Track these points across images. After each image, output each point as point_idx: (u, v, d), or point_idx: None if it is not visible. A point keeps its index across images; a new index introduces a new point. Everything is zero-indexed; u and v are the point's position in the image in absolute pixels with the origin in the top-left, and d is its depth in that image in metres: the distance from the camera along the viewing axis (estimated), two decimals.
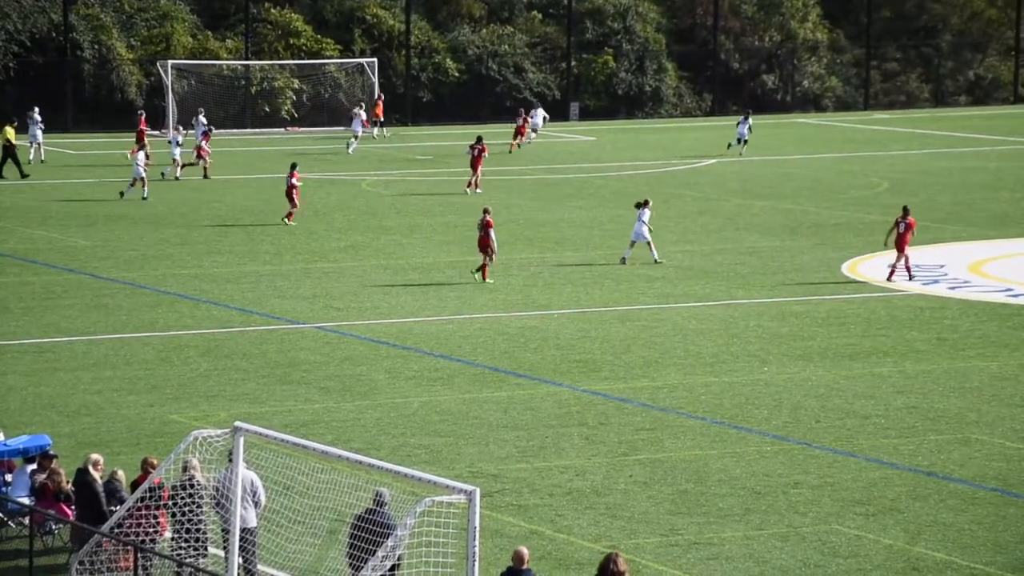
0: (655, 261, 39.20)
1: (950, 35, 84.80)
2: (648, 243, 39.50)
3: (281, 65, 71.21)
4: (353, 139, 61.78)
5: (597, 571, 16.45)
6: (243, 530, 18.30)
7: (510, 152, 61.24)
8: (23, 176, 53.51)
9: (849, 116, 78.38)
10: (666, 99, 77.68)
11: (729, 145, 60.84)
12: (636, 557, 20.01)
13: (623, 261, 39.53)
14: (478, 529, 15.88)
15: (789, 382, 28.60)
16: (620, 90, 76.74)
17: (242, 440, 17.99)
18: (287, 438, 18.15)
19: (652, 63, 77.39)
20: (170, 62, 67.65)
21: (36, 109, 58.24)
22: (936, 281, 37.68)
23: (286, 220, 45.09)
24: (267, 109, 70.38)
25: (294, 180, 45.36)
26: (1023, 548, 20.44)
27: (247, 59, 71.22)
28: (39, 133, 57.75)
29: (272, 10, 72.79)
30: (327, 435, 24.88)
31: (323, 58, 72.11)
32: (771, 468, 23.66)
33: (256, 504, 18.77)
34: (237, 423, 18.11)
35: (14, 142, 54.27)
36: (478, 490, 15.95)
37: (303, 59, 71.74)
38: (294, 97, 70.76)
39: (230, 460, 18.37)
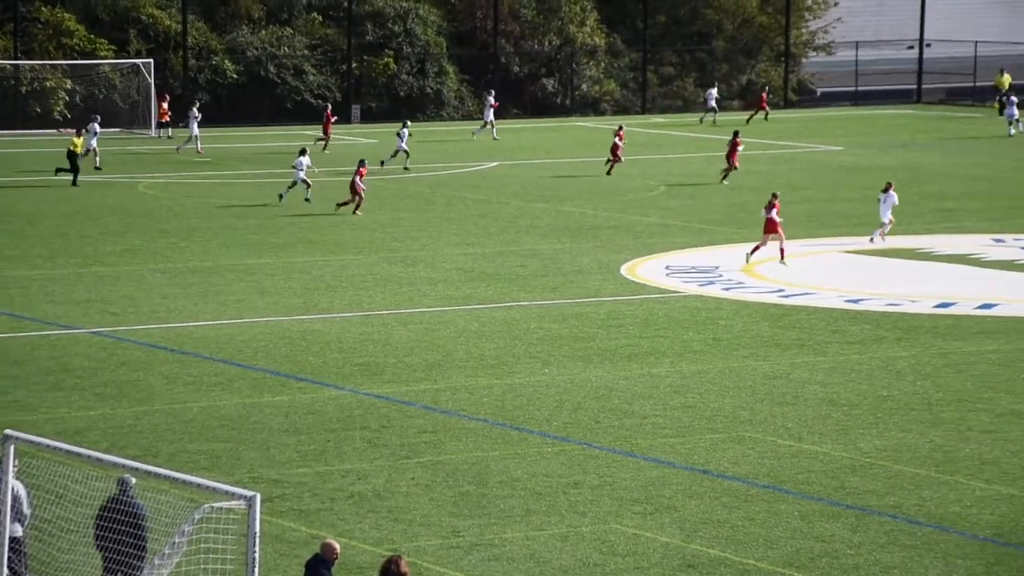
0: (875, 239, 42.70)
1: (723, 41, 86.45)
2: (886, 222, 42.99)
3: (53, 65, 69.79)
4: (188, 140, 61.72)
5: (378, 574, 16.42)
6: (10, 539, 17.88)
7: (324, 150, 61.42)
8: None
9: (627, 119, 79.41)
10: (447, 102, 77.90)
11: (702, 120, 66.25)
12: (418, 560, 20.02)
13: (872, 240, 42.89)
14: (258, 535, 15.75)
15: (569, 383, 28.88)
16: (402, 92, 76.75)
17: (12, 449, 17.59)
18: (60, 446, 17.78)
19: (433, 66, 77.56)
20: None
21: None
22: (711, 283, 38.36)
23: (356, 212, 47.20)
24: (39, 110, 68.92)
25: (359, 177, 47.55)
26: (793, 543, 20.89)
27: (16, 59, 69.66)
28: None
29: (43, 8, 71.29)
30: (102, 442, 24.45)
31: (97, 58, 70.84)
32: (552, 469, 23.86)
33: (19, 517, 18.28)
34: (7, 431, 17.70)
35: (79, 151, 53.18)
36: (258, 495, 15.81)
37: (76, 59, 70.40)
38: (67, 98, 69.38)
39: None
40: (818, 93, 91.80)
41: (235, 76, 73.27)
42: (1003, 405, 27.40)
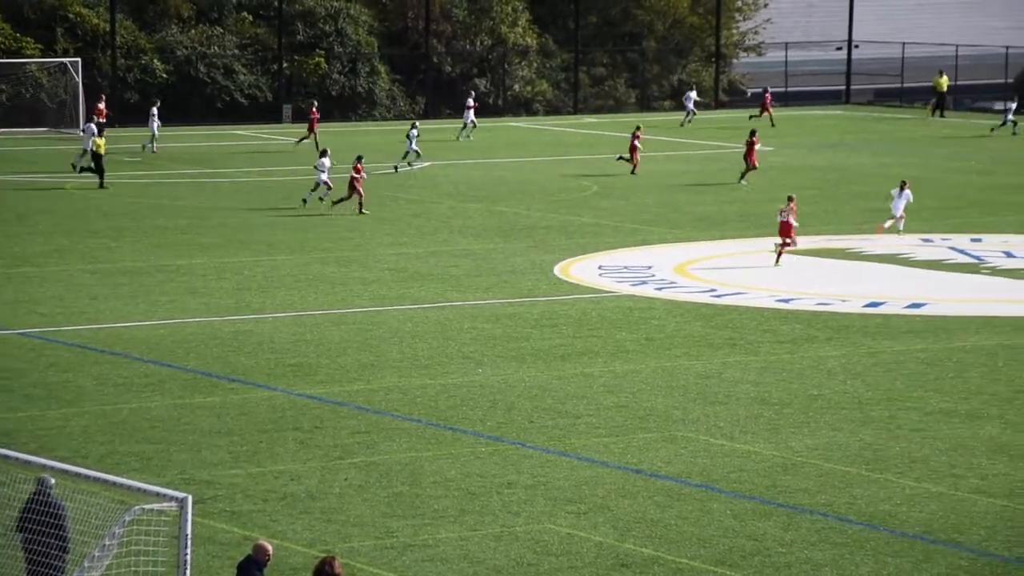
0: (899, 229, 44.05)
1: (655, 41, 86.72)
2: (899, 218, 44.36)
3: None
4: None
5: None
6: None
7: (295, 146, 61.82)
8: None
9: (559, 120, 79.52)
10: (379, 101, 77.76)
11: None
12: (351, 560, 19.96)
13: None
14: (190, 537, 15.66)
15: (503, 383, 28.88)
16: (333, 92, 76.53)
17: None
18: None
19: (365, 65, 77.39)
20: None
21: None
22: (644, 282, 38.46)
23: (362, 211, 47.11)
24: None
25: (358, 173, 47.34)
26: (726, 542, 20.97)
27: None
28: None
29: None
30: (31, 444, 24.23)
31: (23, 57, 70.23)
32: (485, 469, 23.85)
33: None
34: None
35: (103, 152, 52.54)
36: (190, 497, 15.72)
37: (1, 58, 69.76)
38: None
39: None
40: (748, 94, 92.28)
41: (164, 75, 72.84)
42: (932, 404, 27.61)
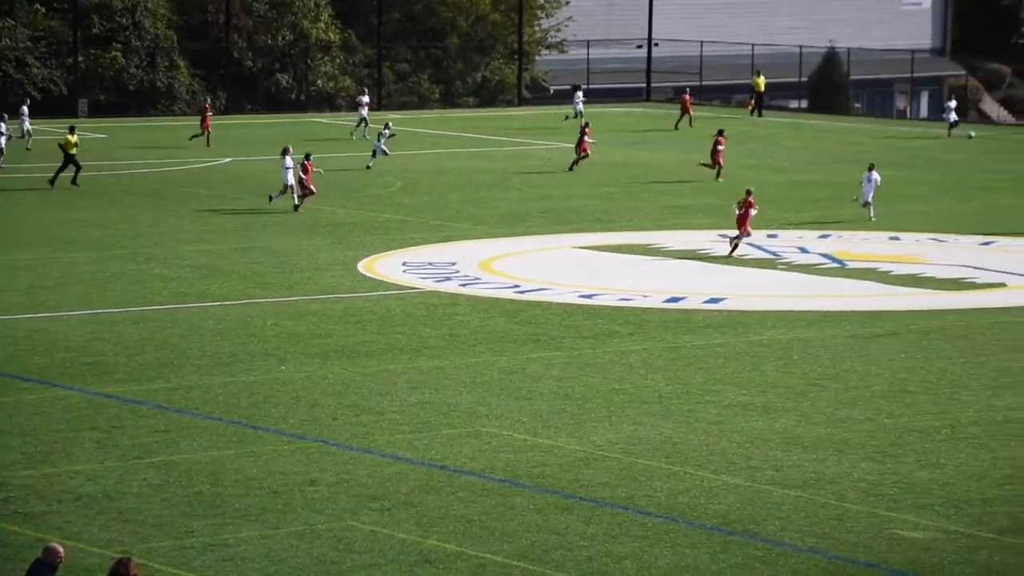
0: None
1: (457, 38, 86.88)
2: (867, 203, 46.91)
3: None
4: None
5: None
6: None
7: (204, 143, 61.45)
8: None
9: None
10: (179, 96, 76.76)
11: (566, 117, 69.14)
12: (149, 561, 19.65)
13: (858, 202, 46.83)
14: None
15: (307, 380, 28.68)
16: (131, 86, 75.37)
17: None
18: None
19: (163, 60, 76.35)
20: None
21: None
22: (448, 279, 38.49)
23: (297, 205, 46.69)
24: None
25: (309, 169, 46.60)
26: (528, 536, 21.06)
27: None
28: None
29: None
30: None
31: None
32: (288, 467, 23.66)
33: None
34: None
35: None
36: None
37: None
38: None
39: None
40: (551, 91, 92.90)
41: None
42: (729, 397, 28.04)
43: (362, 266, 39.79)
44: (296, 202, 47.62)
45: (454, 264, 40.43)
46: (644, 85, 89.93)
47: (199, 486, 22.68)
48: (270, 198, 48.04)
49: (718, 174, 55.45)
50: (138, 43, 75.66)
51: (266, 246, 42.16)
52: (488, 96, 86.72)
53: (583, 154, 57.74)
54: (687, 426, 26.20)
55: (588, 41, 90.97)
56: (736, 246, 41.77)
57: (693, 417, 26.75)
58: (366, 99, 69.34)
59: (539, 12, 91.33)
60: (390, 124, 59.90)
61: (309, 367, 29.66)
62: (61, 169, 51.15)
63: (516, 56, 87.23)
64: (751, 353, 31.29)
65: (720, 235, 43.54)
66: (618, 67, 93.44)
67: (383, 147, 57.32)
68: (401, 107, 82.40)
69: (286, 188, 47.81)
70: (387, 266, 39.91)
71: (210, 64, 78.73)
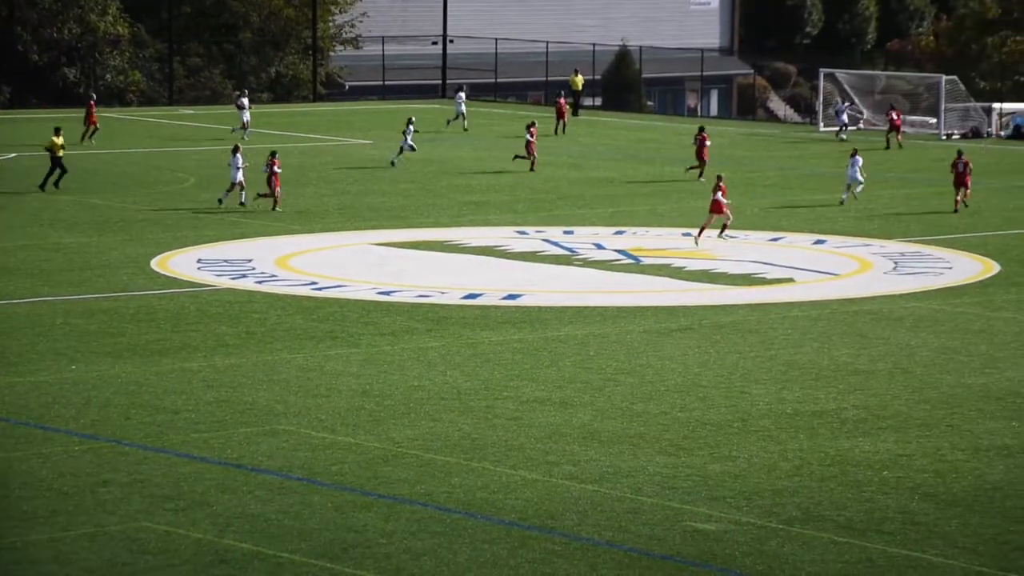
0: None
1: (251, 33, 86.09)
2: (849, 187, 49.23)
3: None
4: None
5: None
6: None
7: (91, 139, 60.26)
8: None
9: (154, 111, 78.14)
10: None
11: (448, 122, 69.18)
12: None
13: (842, 203, 49.29)
14: None
15: (98, 379, 28.14)
16: None
17: None
18: None
19: None
20: None
21: None
22: (244, 276, 38.08)
23: (275, 207, 45.94)
24: None
25: (275, 168, 45.90)
26: (327, 534, 20.91)
27: None
28: None
29: None
30: None
31: None
32: (79, 468, 23.18)
33: None
34: None
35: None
36: None
37: None
38: None
39: None
40: (347, 87, 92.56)
41: None
42: (527, 393, 28.15)
43: (155, 263, 39.19)
44: (242, 199, 47.07)
45: (250, 261, 40.01)
46: (440, 82, 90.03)
47: None
48: (219, 200, 47.23)
49: (700, 173, 55.48)
50: None
51: (54, 243, 41.30)
52: (283, 92, 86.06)
53: (534, 155, 57.27)
54: (485, 422, 26.24)
55: (383, 37, 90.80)
56: (725, 227, 43.27)
57: (491, 413, 26.80)
58: (246, 100, 67.45)
59: (333, 8, 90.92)
60: (413, 119, 59.33)
61: (101, 366, 29.11)
62: (50, 174, 49.75)
63: (310, 52, 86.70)
64: (548, 349, 31.46)
65: (683, 234, 43.99)
66: (414, 64, 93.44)
67: (410, 143, 57.07)
68: (194, 102, 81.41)
69: (233, 186, 47.14)
70: (181, 263, 39.36)
71: None
